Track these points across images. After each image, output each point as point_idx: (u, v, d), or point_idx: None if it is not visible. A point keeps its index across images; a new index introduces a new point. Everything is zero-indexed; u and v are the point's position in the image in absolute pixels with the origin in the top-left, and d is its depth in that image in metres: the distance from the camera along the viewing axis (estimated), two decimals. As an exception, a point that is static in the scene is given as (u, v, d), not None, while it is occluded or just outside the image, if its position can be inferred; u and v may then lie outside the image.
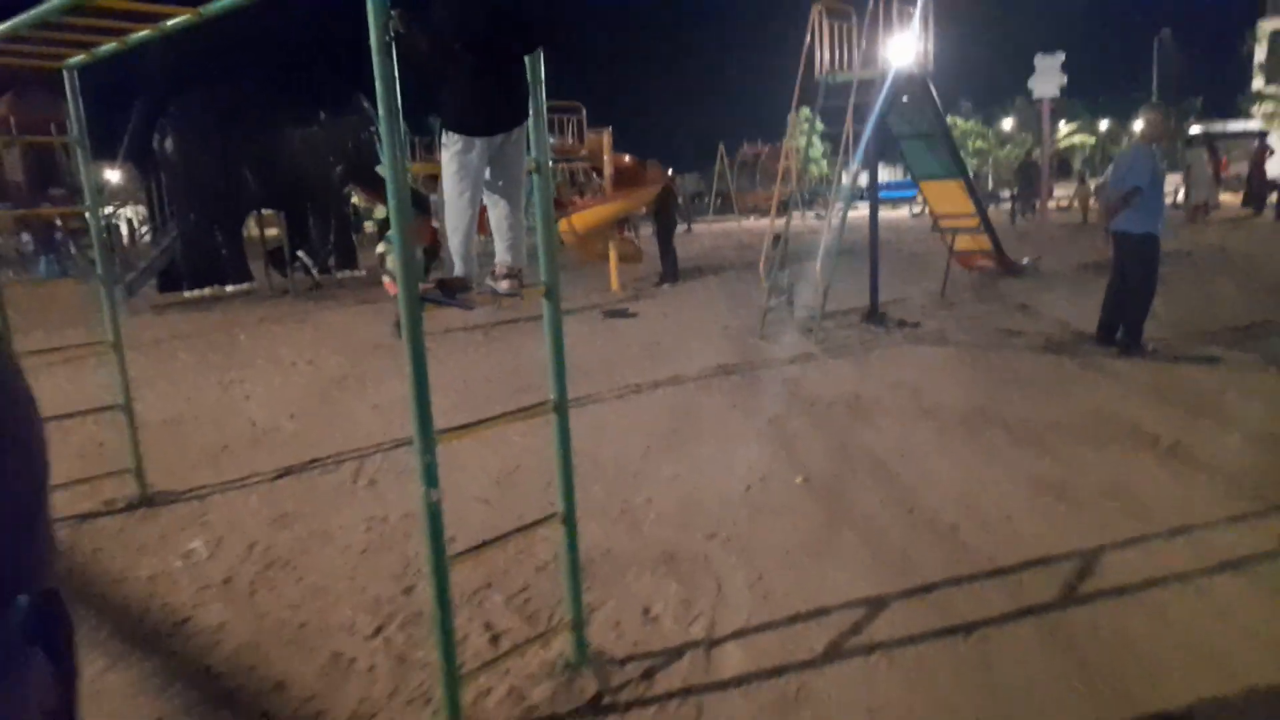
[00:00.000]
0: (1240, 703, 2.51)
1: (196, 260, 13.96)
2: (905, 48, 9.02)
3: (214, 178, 13.81)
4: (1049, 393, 5.98)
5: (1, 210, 23.01)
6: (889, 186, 32.17)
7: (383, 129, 2.25)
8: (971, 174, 12.47)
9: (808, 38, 8.90)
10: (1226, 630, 2.85)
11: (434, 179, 12.87)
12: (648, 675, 2.81)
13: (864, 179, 9.26)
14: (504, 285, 2.64)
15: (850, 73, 8.89)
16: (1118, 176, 6.99)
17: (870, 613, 3.11)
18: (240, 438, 5.81)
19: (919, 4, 8.97)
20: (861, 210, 11.61)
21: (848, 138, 8.27)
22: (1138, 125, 7.58)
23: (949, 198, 10.55)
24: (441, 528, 2.44)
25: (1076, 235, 17.44)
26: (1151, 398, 5.65)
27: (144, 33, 3.82)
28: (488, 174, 2.61)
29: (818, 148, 36.50)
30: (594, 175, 15.57)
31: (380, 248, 8.74)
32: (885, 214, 13.77)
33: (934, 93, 9.45)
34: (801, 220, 14.54)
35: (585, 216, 12.54)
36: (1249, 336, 7.24)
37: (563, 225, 12.21)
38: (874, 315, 8.86)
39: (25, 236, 22.54)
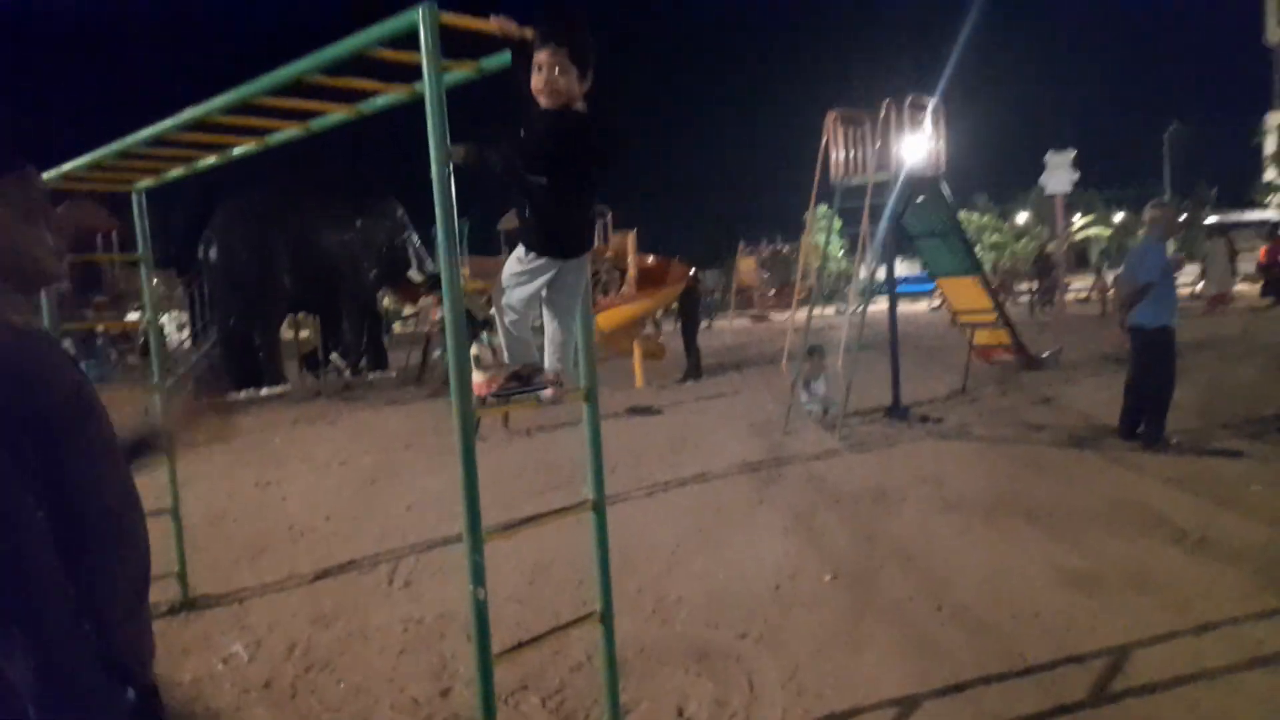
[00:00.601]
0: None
1: (235, 363, 14.37)
2: (915, 150, 9.39)
3: (254, 282, 14.33)
4: (1072, 484, 6.01)
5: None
6: (906, 280, 32.56)
7: (441, 253, 2.47)
8: (990, 266, 12.70)
9: (823, 141, 9.31)
10: (1261, 726, 2.87)
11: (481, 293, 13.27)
12: (685, 775, 2.85)
13: (881, 274, 9.51)
14: (548, 393, 2.78)
15: (865, 175, 9.26)
16: (1129, 273, 7.17)
17: (904, 711, 3.14)
18: (278, 538, 5.95)
19: (929, 108, 9.37)
20: (881, 304, 11.84)
21: (864, 237, 8.55)
22: (1147, 219, 7.77)
23: (966, 293, 10.76)
24: (488, 626, 2.54)
25: (1095, 327, 17.55)
26: (1176, 490, 5.67)
27: (211, 159, 4.16)
28: (546, 290, 2.69)
29: (836, 244, 37.18)
30: (618, 274, 15.97)
31: (474, 350, 8.96)
32: (904, 307, 13.96)
33: (946, 193, 9.76)
34: (821, 315, 14.83)
35: (611, 315, 12.85)
36: (1271, 428, 7.26)
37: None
38: (896, 410, 8.96)
39: (66, 341, 23.24)
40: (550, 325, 2.86)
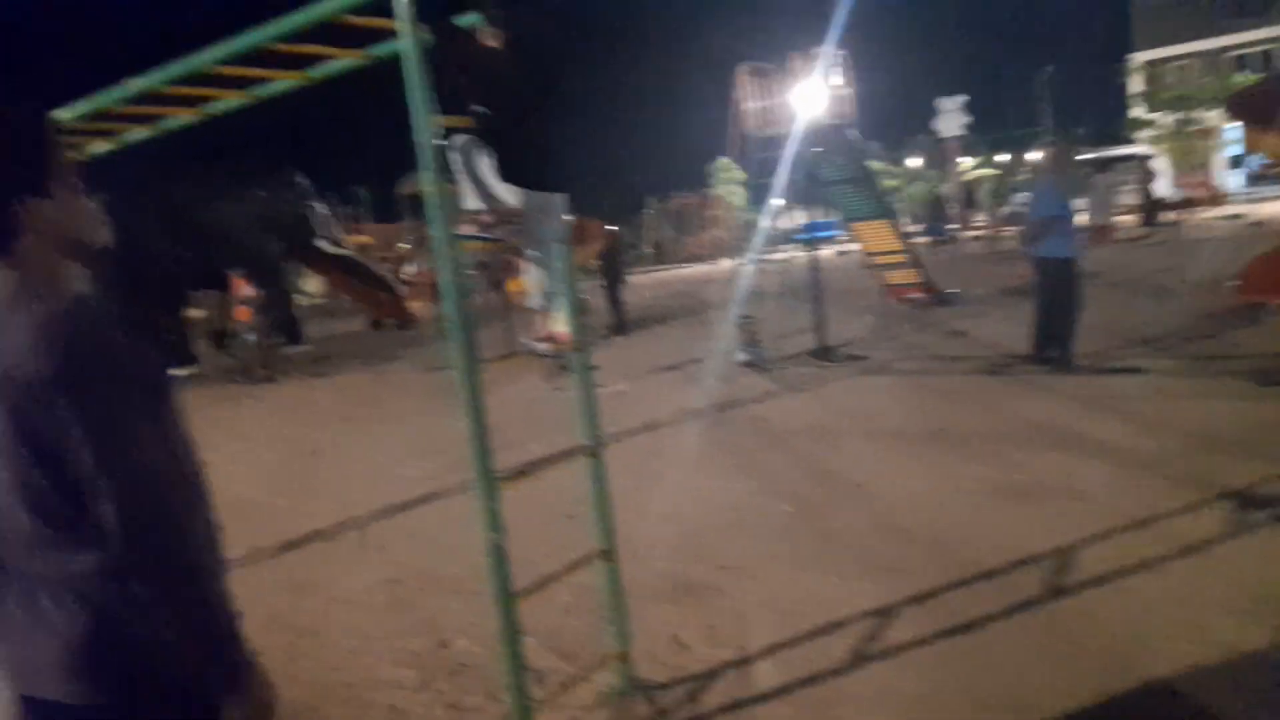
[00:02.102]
0: (1215, 666, 2.88)
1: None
2: (817, 100, 9.66)
3: (152, 262, 13.67)
4: (996, 410, 6.46)
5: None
6: (813, 228, 33.39)
7: (432, 216, 2.52)
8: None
9: (734, 95, 9.50)
10: (1195, 605, 3.24)
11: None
12: (692, 697, 3.06)
13: (792, 221, 9.83)
14: (542, 346, 2.90)
15: (776, 128, 9.51)
16: (1033, 209, 7.64)
17: (882, 620, 3.41)
18: (232, 515, 5.75)
19: (835, 60, 9.65)
20: (788, 252, 12.23)
21: (780, 187, 8.82)
22: (1038, 159, 8.26)
23: (878, 236, 11.21)
24: (507, 568, 2.65)
25: (990, 263, 18.46)
26: (1090, 407, 6.16)
27: (143, 133, 4.02)
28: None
29: (739, 194, 37.74)
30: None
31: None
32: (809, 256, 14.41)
33: (855, 141, 10.11)
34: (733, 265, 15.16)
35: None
36: (1164, 346, 7.91)
37: (512, 286, 12.48)
38: (821, 351, 9.33)
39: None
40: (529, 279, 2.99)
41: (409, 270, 25.88)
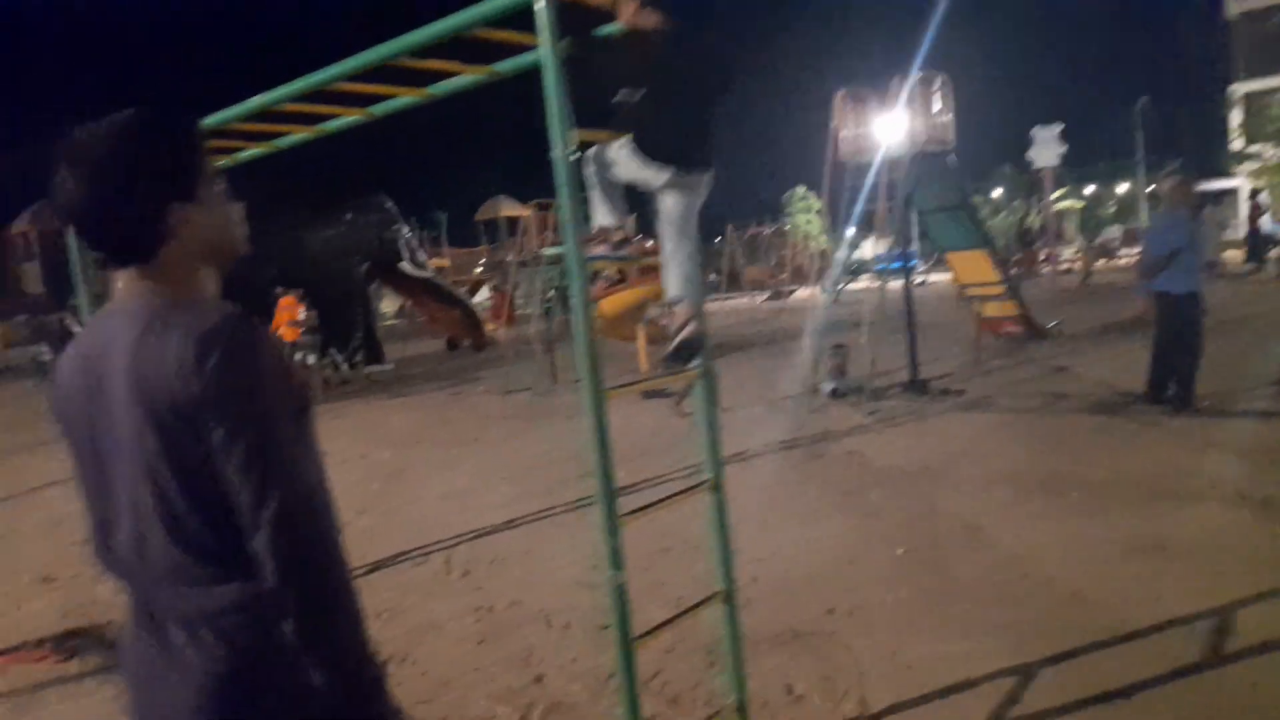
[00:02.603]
0: None
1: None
2: (916, 126, 9.38)
3: (243, 277, 14.03)
4: (1116, 452, 6.04)
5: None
6: (880, 260, 32.75)
7: (566, 236, 2.38)
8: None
9: (833, 122, 9.28)
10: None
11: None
12: (813, 754, 2.81)
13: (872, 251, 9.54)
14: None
15: (870, 154, 9.26)
16: (1156, 241, 7.21)
17: (1020, 682, 3.11)
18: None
19: (936, 85, 9.36)
20: (870, 281, 11.89)
21: (883, 213, 8.54)
22: (1164, 192, 7.83)
23: (975, 267, 10.80)
24: (628, 610, 2.47)
25: (1084, 296, 17.74)
26: (1221, 453, 5.72)
27: (258, 150, 4.01)
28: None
29: (816, 224, 37.30)
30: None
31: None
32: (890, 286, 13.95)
33: (954, 169, 9.78)
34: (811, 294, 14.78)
35: (614, 301, 12.74)
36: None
37: (606, 308, 12.42)
38: (915, 384, 8.97)
39: (44, 346, 22.75)
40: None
41: (486, 293, 26.29)
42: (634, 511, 2.57)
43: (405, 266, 15.65)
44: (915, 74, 9.07)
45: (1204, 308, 6.97)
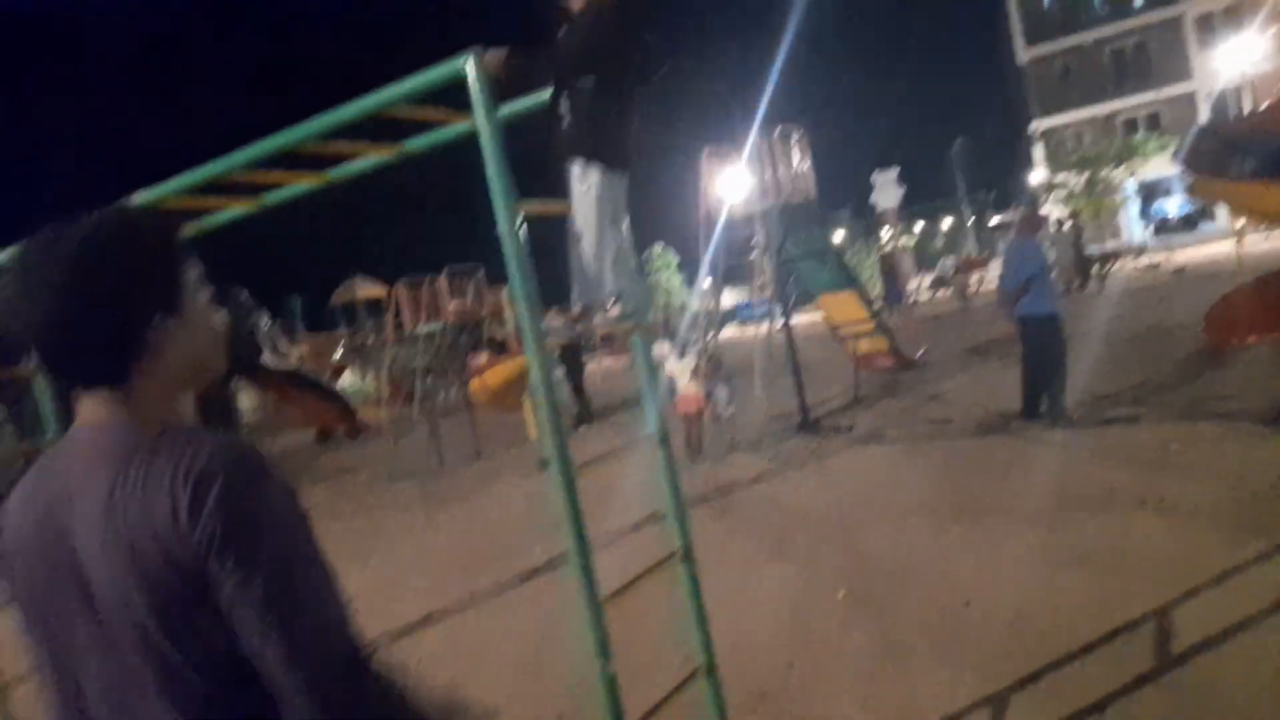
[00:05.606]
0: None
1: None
2: (786, 180, 9.78)
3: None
4: (1012, 471, 6.31)
5: None
6: (740, 308, 33.69)
7: (520, 309, 2.27)
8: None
9: (701, 180, 9.54)
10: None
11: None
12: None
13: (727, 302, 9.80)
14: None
15: (743, 207, 9.56)
16: (1010, 270, 7.72)
17: (997, 710, 3.12)
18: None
19: (795, 139, 9.80)
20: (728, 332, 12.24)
21: (760, 264, 8.78)
22: (1016, 221, 8.45)
23: (845, 307, 11.26)
24: (620, 704, 2.31)
25: (947, 324, 18.82)
26: (1106, 460, 6.07)
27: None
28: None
29: (676, 280, 38.14)
30: (498, 330, 15.59)
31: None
32: (750, 331, 14.32)
33: (817, 217, 10.23)
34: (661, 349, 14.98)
35: (498, 373, 12.51)
36: (1146, 393, 7.95)
37: (475, 385, 12.16)
38: (807, 424, 9.18)
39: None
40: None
41: (348, 379, 25.32)
42: (614, 595, 2.44)
43: (267, 359, 14.83)
44: (776, 128, 9.46)
45: (1062, 326, 7.48)
